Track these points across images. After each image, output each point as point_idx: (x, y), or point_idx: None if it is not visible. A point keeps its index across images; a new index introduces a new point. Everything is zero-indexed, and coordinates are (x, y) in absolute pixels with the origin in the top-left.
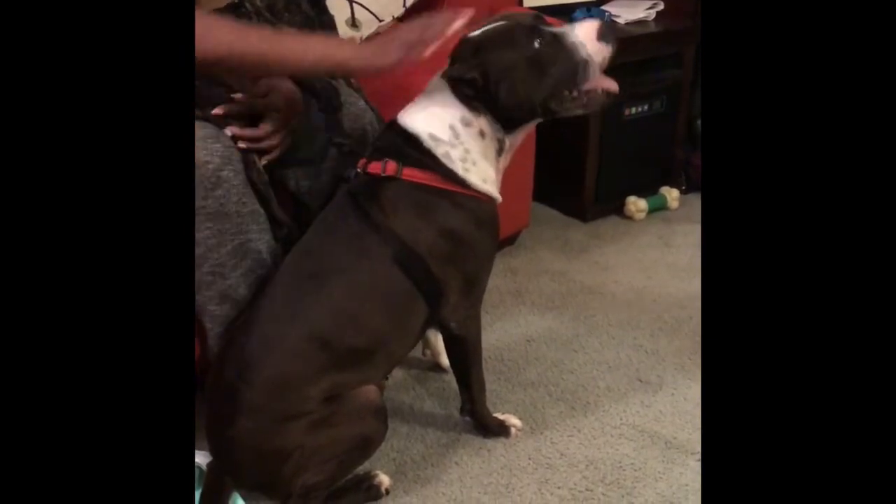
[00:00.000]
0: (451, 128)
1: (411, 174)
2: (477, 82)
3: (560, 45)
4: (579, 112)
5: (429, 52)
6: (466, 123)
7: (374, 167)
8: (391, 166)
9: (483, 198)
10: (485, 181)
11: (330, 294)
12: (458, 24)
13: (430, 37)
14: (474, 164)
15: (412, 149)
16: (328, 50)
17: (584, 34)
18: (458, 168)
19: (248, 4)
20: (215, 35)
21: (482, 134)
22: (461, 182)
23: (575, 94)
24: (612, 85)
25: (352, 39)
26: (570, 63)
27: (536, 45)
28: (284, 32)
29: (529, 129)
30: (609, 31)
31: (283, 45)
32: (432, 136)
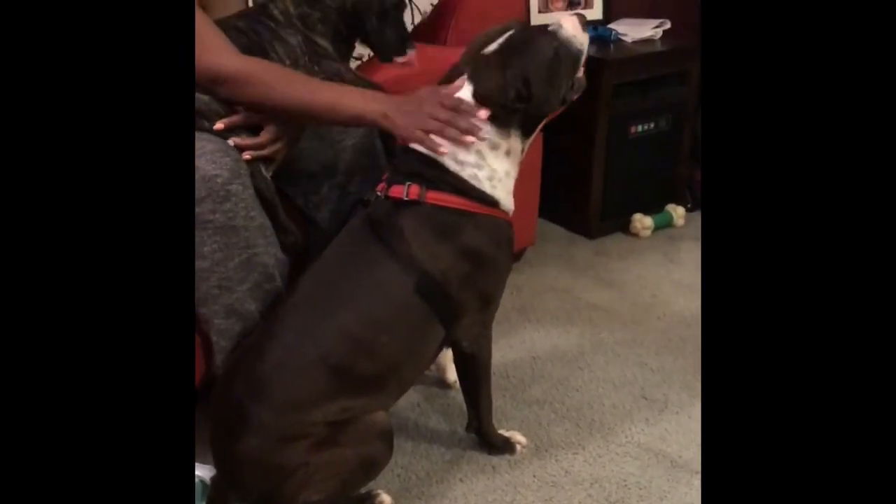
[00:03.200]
0: (478, 152)
1: (436, 197)
2: (523, 93)
3: (562, 41)
4: (574, 97)
5: (470, 140)
6: (494, 147)
7: (396, 191)
8: (414, 190)
9: (502, 216)
10: (508, 194)
11: (346, 323)
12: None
13: (450, 136)
14: (500, 181)
15: (437, 171)
16: (363, 107)
17: (572, 27)
18: (487, 187)
19: (277, 13)
20: (267, 85)
21: (508, 153)
22: (489, 200)
23: (572, 81)
24: (581, 70)
25: (387, 98)
26: (573, 55)
27: (552, 45)
28: (329, 84)
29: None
30: (585, 20)
31: (326, 97)
32: (457, 160)
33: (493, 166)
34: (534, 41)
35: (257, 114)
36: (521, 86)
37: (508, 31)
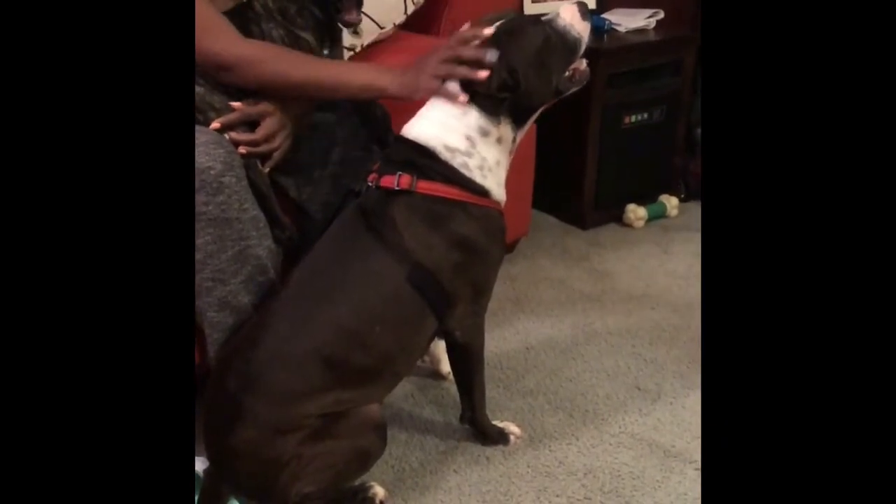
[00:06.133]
0: (468, 138)
1: (426, 187)
2: (508, 82)
3: (557, 30)
4: (576, 89)
5: (462, 99)
6: (484, 133)
7: (387, 181)
8: (405, 180)
9: (493, 206)
10: (499, 185)
11: (338, 314)
12: (490, 57)
13: (460, 74)
14: (490, 170)
15: (428, 161)
16: (371, 77)
17: (570, 16)
18: (477, 176)
19: (258, 6)
20: (275, 64)
21: (499, 141)
22: (479, 190)
23: (569, 72)
24: (584, 62)
25: (390, 69)
26: (569, 44)
27: (544, 33)
28: (331, 60)
29: (532, 121)
30: (586, 9)
31: (334, 71)
32: (448, 148)
33: (483, 154)
34: (523, 30)
35: (265, 96)
36: (506, 74)
37: (500, 19)
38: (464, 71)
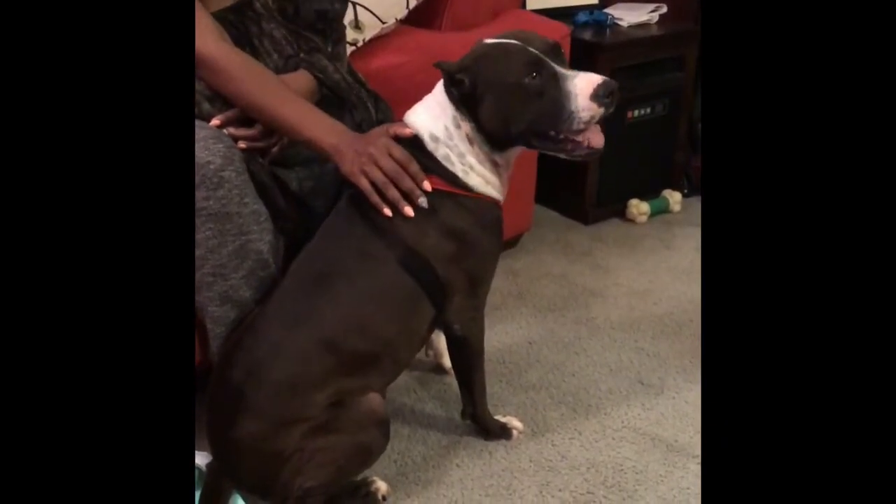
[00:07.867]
0: (446, 127)
1: None
2: (464, 86)
3: (554, 87)
4: (561, 156)
5: (409, 210)
6: (457, 125)
7: None
8: None
9: (486, 199)
10: (487, 184)
11: (337, 299)
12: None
13: (406, 186)
14: (471, 167)
15: (416, 151)
16: (321, 134)
17: (581, 86)
18: (458, 171)
19: (258, 5)
20: (238, 82)
21: (470, 140)
22: (463, 185)
23: (561, 136)
24: (597, 140)
25: (346, 132)
26: (556, 108)
27: (531, 76)
28: (298, 100)
29: (518, 151)
30: (608, 90)
31: (291, 113)
32: (432, 136)
33: (460, 148)
34: (511, 57)
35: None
36: (467, 78)
37: (526, 42)
38: (394, 196)
